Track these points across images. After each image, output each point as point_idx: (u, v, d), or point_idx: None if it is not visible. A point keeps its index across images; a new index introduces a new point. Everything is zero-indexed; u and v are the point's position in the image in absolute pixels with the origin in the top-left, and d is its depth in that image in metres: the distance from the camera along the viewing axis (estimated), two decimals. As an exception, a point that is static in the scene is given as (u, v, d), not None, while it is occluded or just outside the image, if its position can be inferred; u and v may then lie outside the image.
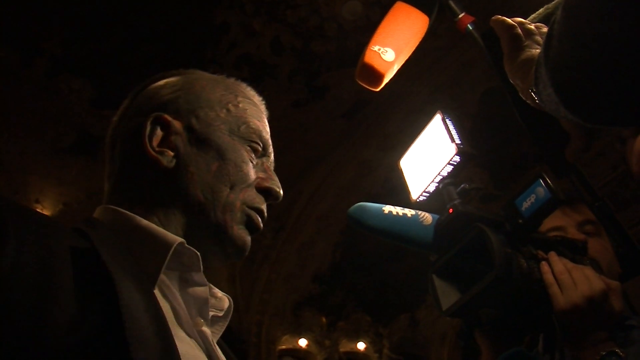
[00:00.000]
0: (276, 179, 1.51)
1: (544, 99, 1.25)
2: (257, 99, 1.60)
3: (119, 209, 1.36)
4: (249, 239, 1.44)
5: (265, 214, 1.47)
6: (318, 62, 10.26)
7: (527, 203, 1.58)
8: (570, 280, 1.65)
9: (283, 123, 10.80)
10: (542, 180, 1.56)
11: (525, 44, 1.55)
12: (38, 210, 10.99)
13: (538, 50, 1.49)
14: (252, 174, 1.45)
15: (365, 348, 15.39)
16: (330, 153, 12.07)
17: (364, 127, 11.58)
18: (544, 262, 1.67)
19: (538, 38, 1.56)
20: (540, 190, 1.55)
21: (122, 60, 9.31)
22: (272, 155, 1.56)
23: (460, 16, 1.74)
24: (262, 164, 1.51)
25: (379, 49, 1.66)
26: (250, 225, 1.44)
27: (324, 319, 14.82)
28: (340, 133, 11.65)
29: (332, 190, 12.63)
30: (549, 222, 2.19)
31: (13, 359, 0.92)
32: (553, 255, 1.71)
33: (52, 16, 8.61)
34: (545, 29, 1.56)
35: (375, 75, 1.68)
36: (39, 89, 9.55)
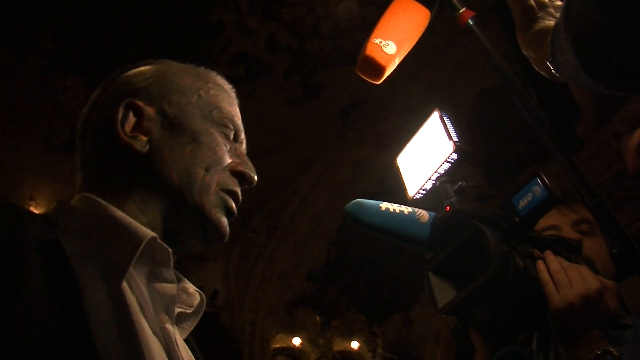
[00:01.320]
0: (250, 163, 1.51)
1: (561, 66, 1.24)
2: (228, 86, 1.60)
3: (95, 197, 1.35)
4: (226, 222, 1.44)
5: (240, 198, 1.47)
6: (313, 60, 10.25)
7: (523, 201, 1.57)
8: (566, 279, 1.65)
9: (278, 122, 10.80)
10: (539, 179, 1.55)
11: (539, 15, 1.55)
12: (32, 207, 10.99)
13: (552, 22, 1.49)
14: (227, 157, 1.45)
15: (359, 347, 15.39)
16: (325, 152, 12.07)
17: (359, 126, 11.58)
18: (539, 261, 1.67)
19: (551, 10, 1.56)
20: (537, 189, 1.55)
21: (116, 57, 9.29)
22: (245, 142, 1.57)
23: (460, 11, 1.74)
24: (236, 149, 1.51)
25: (381, 42, 1.66)
26: (226, 209, 1.44)
27: (318, 318, 14.82)
28: (336, 132, 11.65)
29: (326, 189, 12.63)
30: (544, 221, 2.19)
31: None
32: (549, 254, 1.70)
33: (47, 13, 8.59)
34: (558, 2, 1.56)
35: (376, 68, 1.67)
36: (34, 85, 9.53)
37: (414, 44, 1.75)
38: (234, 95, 1.60)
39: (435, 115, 1.66)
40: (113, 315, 1.06)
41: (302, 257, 13.65)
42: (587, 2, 1.09)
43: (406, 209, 1.67)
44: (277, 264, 13.49)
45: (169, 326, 1.28)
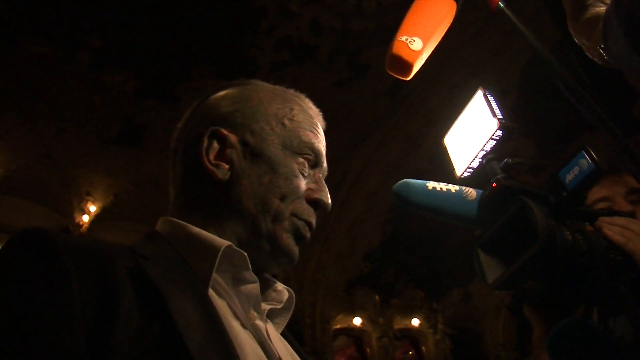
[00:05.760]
0: (326, 190, 1.53)
1: (614, 53, 1.24)
2: (315, 111, 1.62)
3: (175, 219, 1.43)
4: (296, 248, 1.47)
5: (314, 226, 1.49)
6: (358, 40, 10.25)
7: (570, 175, 1.56)
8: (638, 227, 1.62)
9: (326, 103, 10.81)
10: (585, 152, 1.54)
11: (589, 2, 1.54)
12: (90, 202, 11.19)
13: (602, 9, 1.47)
14: (303, 186, 1.48)
15: (420, 324, 15.43)
16: (375, 131, 12.07)
17: (407, 103, 11.56)
18: (604, 225, 1.64)
19: None
20: (584, 162, 1.53)
21: (162, 49, 9.40)
22: (325, 164, 1.59)
23: (491, -6, 1.72)
24: (314, 174, 1.53)
25: (407, 39, 1.66)
26: (297, 234, 1.46)
27: (377, 297, 14.87)
28: (384, 110, 11.64)
29: (378, 168, 12.64)
30: (596, 193, 2.17)
31: None
32: (603, 219, 1.68)
33: (91, 10, 8.71)
34: None
35: (404, 65, 1.67)
36: (83, 82, 9.70)
37: (441, 37, 1.74)
38: (320, 119, 1.62)
39: (479, 94, 1.65)
40: (203, 322, 1.14)
41: (358, 237, 13.70)
42: None
43: (453, 188, 1.66)
44: (333, 245, 13.56)
45: (259, 322, 1.34)
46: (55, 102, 9.80)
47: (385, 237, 13.83)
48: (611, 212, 1.76)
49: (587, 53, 1.53)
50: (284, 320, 1.46)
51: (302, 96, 1.62)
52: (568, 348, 1.53)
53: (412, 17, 1.73)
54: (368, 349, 15.02)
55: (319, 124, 1.59)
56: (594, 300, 1.70)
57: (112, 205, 11.39)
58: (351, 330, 14.93)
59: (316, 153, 1.53)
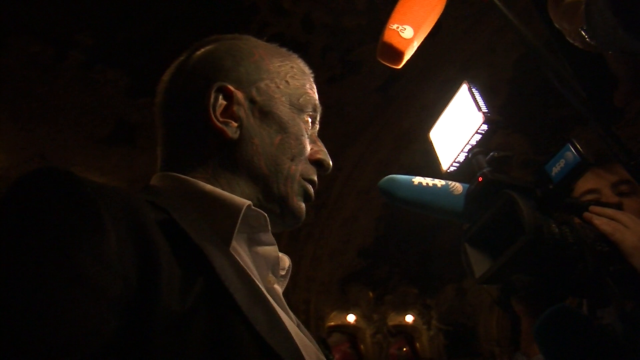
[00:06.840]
0: (325, 149, 1.54)
1: (597, 31, 1.23)
2: (308, 70, 1.61)
3: (180, 175, 1.37)
4: (304, 208, 1.47)
5: (317, 184, 1.50)
6: (350, 37, 10.23)
7: (556, 168, 1.56)
8: (629, 218, 1.63)
9: (319, 100, 10.75)
10: (571, 144, 1.54)
11: None
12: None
13: None
14: (308, 146, 1.48)
15: (414, 320, 15.44)
16: (368, 127, 12.05)
17: (400, 99, 11.54)
18: (592, 217, 1.65)
19: None
20: (569, 154, 1.53)
21: (154, 47, 9.37)
22: (318, 124, 1.59)
23: (481, -15, 1.73)
24: (312, 134, 1.54)
25: (397, 27, 1.66)
26: (305, 196, 1.46)
27: (370, 294, 14.88)
28: (377, 107, 11.63)
29: (371, 165, 12.63)
30: (583, 185, 2.18)
31: (139, 335, 0.95)
32: (594, 208, 1.69)
33: (83, 7, 8.68)
34: None
35: (395, 54, 1.67)
36: (75, 81, 9.65)
37: (432, 26, 1.74)
38: (312, 78, 1.61)
39: (464, 88, 1.65)
40: (239, 279, 1.10)
41: (351, 233, 13.69)
42: None
43: (439, 182, 1.67)
44: (327, 242, 13.54)
45: (276, 286, 1.35)
46: (47, 100, 9.75)
47: (378, 233, 13.82)
48: (598, 204, 1.77)
49: (568, 38, 1.52)
50: (282, 287, 1.43)
51: (295, 55, 1.60)
52: (555, 335, 1.54)
53: (403, 6, 1.73)
54: (362, 346, 15.03)
55: (314, 83, 1.58)
56: (582, 292, 1.70)
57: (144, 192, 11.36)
58: (345, 327, 14.93)
59: (317, 111, 1.53)
